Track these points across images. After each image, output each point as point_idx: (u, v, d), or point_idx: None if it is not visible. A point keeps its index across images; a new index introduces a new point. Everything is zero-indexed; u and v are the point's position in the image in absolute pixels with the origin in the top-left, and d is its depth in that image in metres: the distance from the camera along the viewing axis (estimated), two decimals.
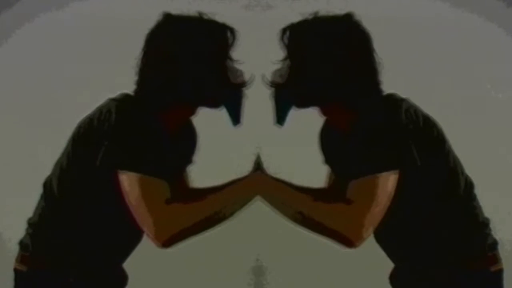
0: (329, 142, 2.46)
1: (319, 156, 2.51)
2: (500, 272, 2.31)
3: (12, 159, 3.62)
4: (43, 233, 2.30)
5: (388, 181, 2.18)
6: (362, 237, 2.19)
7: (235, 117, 2.31)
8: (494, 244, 2.32)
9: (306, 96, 2.28)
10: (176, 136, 2.34)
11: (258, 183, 2.28)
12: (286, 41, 2.30)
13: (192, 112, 2.36)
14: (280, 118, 2.32)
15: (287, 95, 2.30)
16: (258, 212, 2.36)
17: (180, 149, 2.39)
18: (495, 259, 2.31)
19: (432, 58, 3.57)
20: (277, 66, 2.32)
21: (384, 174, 2.17)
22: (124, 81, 2.33)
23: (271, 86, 2.31)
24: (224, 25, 2.31)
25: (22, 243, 2.33)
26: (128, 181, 2.18)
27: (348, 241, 2.19)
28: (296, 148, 3.32)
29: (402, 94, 2.32)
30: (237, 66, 2.31)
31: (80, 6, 3.68)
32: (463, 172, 2.32)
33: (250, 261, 3.71)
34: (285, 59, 2.31)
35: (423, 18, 3.59)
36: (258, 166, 2.32)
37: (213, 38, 2.28)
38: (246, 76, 2.31)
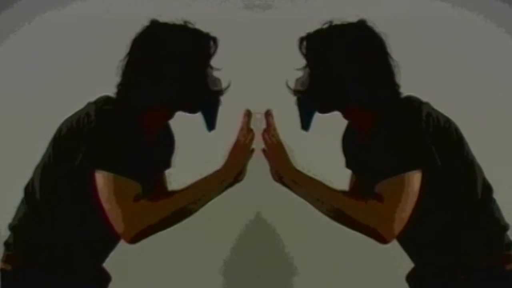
0: (351, 146, 2.53)
1: (340, 160, 2.58)
2: None
3: (10, 159, 3.62)
4: (26, 234, 2.36)
5: (415, 179, 2.25)
6: (394, 234, 2.26)
7: (211, 123, 2.40)
8: (510, 244, 2.39)
9: (328, 101, 2.35)
10: (153, 139, 2.41)
11: (287, 174, 2.34)
12: (304, 50, 2.38)
13: (170, 116, 2.43)
14: (305, 124, 2.40)
15: (309, 102, 2.37)
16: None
17: (157, 152, 2.46)
18: (510, 259, 2.37)
19: (433, 58, 3.57)
20: (298, 74, 2.39)
21: (411, 172, 2.24)
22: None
23: (294, 94, 2.38)
24: (207, 35, 2.38)
25: (6, 243, 2.40)
26: (101, 180, 2.25)
27: (381, 237, 2.26)
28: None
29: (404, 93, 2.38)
30: (216, 74, 2.37)
31: (79, 7, 3.68)
32: (481, 175, 2.39)
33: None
34: (305, 67, 2.38)
35: (424, 19, 3.60)
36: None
37: (196, 46, 2.36)
38: (223, 84, 2.38)
